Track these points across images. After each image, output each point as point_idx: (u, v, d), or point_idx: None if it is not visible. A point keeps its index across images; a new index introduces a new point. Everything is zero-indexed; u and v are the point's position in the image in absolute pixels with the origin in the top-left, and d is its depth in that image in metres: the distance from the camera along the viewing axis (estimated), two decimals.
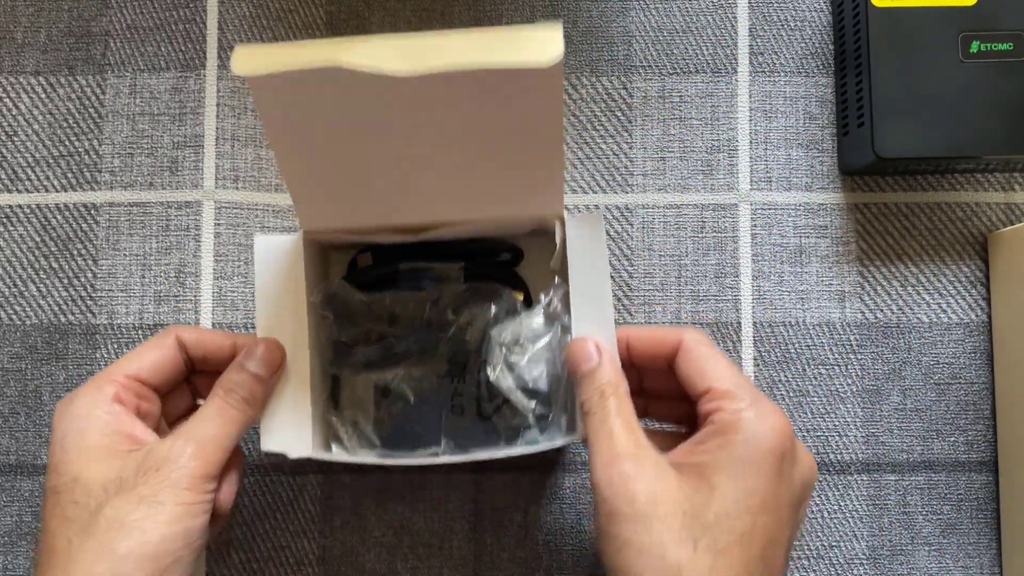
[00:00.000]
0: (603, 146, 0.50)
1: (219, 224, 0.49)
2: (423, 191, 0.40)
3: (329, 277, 0.48)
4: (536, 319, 0.43)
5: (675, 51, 0.51)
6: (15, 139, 0.50)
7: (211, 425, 0.37)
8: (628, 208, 0.50)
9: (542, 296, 0.43)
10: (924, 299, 0.49)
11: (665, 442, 0.37)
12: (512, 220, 0.43)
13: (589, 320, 0.40)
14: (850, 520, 0.48)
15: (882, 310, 0.49)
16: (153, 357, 0.39)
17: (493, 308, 0.44)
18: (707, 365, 0.37)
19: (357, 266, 0.47)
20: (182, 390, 0.42)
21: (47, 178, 0.50)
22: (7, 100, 0.50)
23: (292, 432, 0.40)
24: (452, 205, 0.41)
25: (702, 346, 0.38)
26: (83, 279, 0.49)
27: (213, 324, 0.49)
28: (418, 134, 0.36)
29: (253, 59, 0.31)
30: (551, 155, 0.37)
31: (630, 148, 0.50)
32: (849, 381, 0.49)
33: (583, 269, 0.40)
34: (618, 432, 0.35)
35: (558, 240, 0.42)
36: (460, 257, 0.45)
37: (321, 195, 0.40)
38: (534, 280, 0.47)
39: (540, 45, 0.30)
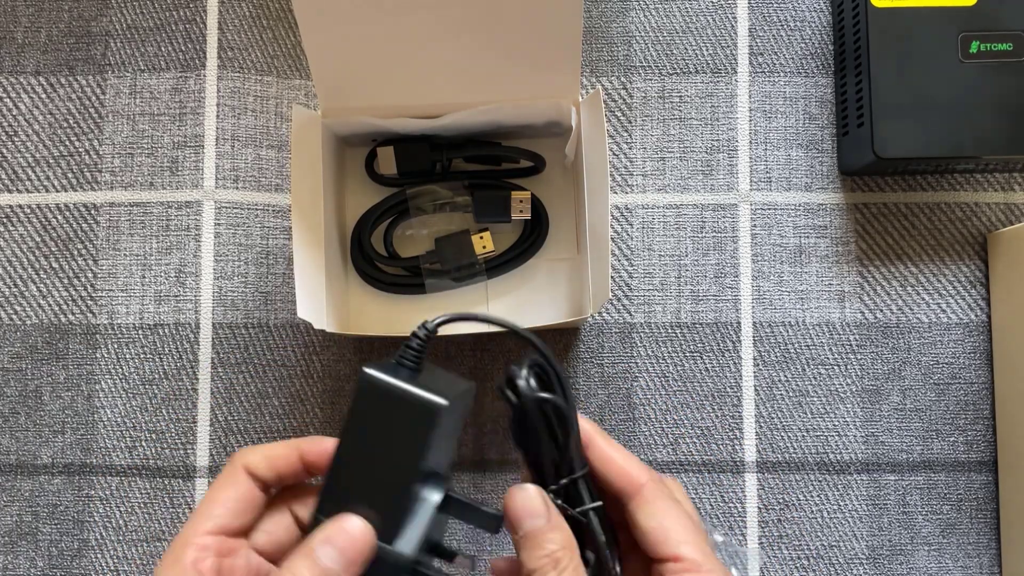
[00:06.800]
0: None
1: (219, 224, 0.49)
2: (441, 70, 0.41)
3: (345, 177, 0.49)
4: None
5: (675, 51, 0.51)
6: (15, 139, 0.50)
7: None
8: (628, 208, 0.50)
9: None
10: (924, 299, 0.49)
11: None
12: (529, 106, 0.44)
13: (596, 199, 0.42)
14: (850, 520, 0.48)
15: (882, 310, 0.49)
16: (227, 502, 0.33)
17: None
18: (670, 524, 0.33)
19: (375, 159, 0.48)
20: (276, 512, 0.35)
21: (47, 178, 0.50)
22: (7, 100, 0.50)
23: (315, 304, 0.42)
24: (469, 85, 0.42)
25: (662, 499, 0.34)
26: (83, 279, 0.49)
27: (213, 324, 0.49)
28: (438, 9, 0.38)
29: None
30: (569, 32, 0.39)
31: (630, 148, 0.50)
32: (849, 381, 0.49)
33: (591, 151, 0.43)
34: None
35: (573, 124, 0.44)
36: (481, 163, 0.48)
37: (341, 72, 0.42)
38: (551, 196, 0.49)
39: None
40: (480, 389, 0.48)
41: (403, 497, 0.30)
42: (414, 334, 0.32)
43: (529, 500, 0.32)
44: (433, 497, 0.32)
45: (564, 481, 0.33)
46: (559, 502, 0.33)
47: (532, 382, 0.32)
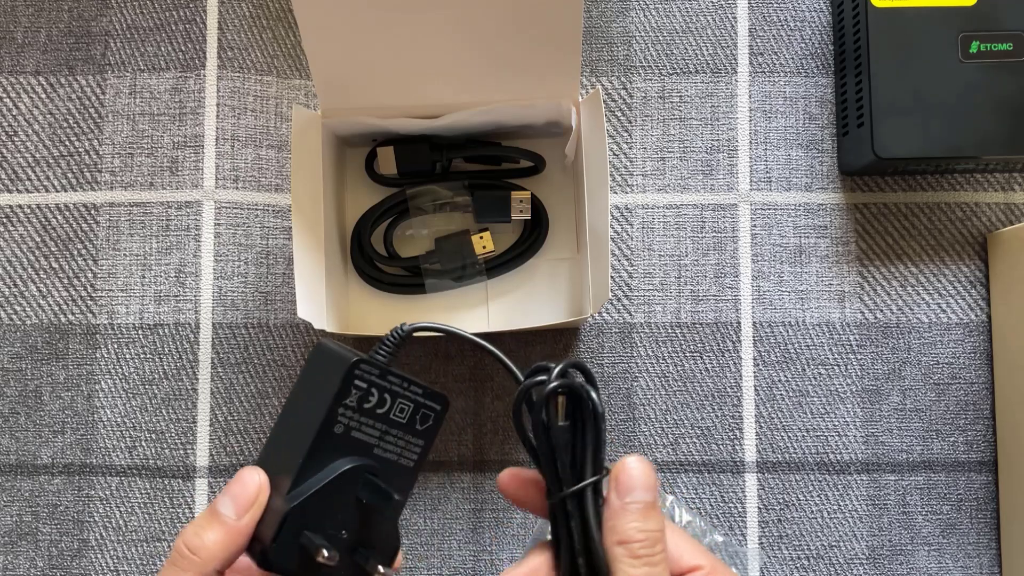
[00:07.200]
0: None
1: (219, 224, 0.49)
2: (441, 70, 0.41)
3: (346, 177, 0.49)
4: None
5: (675, 51, 0.51)
6: (15, 139, 0.50)
7: None
8: (628, 208, 0.50)
9: None
10: (924, 299, 0.49)
11: None
12: (529, 106, 0.44)
13: (596, 198, 0.42)
14: (850, 520, 0.48)
15: (882, 310, 0.49)
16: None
17: None
18: (678, 539, 0.32)
19: (375, 159, 0.48)
20: None
21: (47, 178, 0.50)
22: (7, 100, 0.50)
23: (315, 304, 0.42)
24: (469, 85, 0.42)
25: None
26: (83, 279, 0.49)
27: (213, 324, 0.49)
28: (438, 10, 0.38)
29: None
30: (569, 32, 0.39)
31: (630, 148, 0.50)
32: (849, 381, 0.49)
33: (591, 151, 0.43)
34: None
35: (573, 124, 0.44)
36: (481, 163, 0.49)
37: (341, 72, 0.42)
38: (551, 196, 0.49)
39: None
40: (480, 389, 0.49)
41: (303, 452, 0.31)
42: (390, 333, 0.33)
43: (647, 473, 0.31)
44: (342, 465, 0.31)
45: (589, 481, 0.31)
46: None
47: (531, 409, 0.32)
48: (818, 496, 0.48)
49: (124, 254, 0.49)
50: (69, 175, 0.50)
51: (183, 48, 0.50)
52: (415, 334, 0.33)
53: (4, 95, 0.50)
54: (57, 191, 0.50)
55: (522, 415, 0.32)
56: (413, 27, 0.40)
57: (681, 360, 0.49)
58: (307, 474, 0.31)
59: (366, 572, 0.32)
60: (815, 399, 0.48)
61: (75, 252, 0.49)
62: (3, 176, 0.50)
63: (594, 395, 0.31)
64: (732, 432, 0.48)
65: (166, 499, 0.48)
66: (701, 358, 0.49)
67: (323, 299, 0.43)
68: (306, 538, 0.30)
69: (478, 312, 0.48)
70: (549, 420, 0.31)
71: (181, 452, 0.48)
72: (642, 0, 0.51)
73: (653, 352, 0.49)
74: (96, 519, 0.48)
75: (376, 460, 0.32)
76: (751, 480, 0.48)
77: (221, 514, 0.30)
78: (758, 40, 0.51)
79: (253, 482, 0.31)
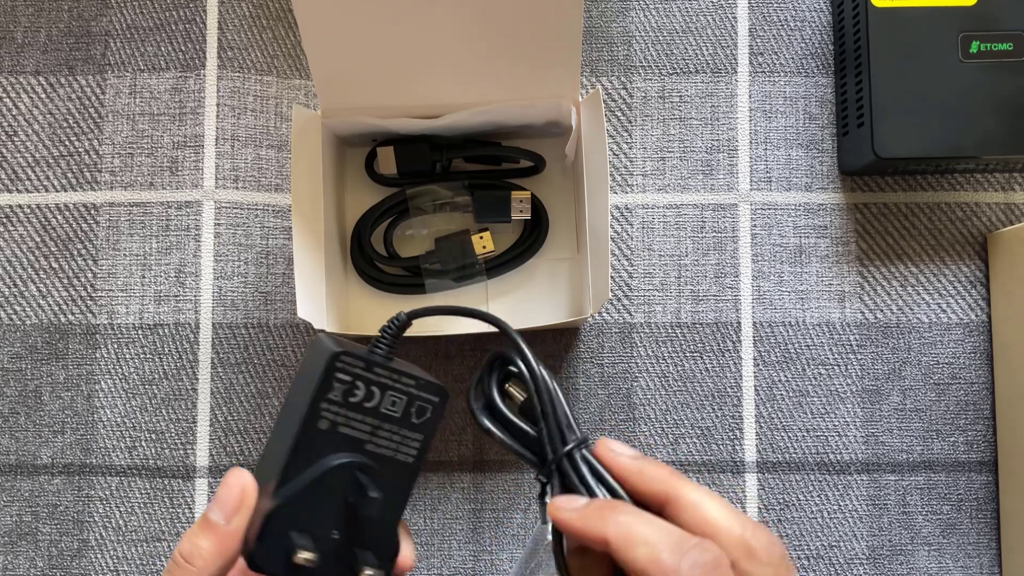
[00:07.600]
0: None
1: (219, 224, 0.49)
2: (441, 70, 0.42)
3: (345, 177, 0.49)
4: None
5: (675, 51, 0.51)
6: (15, 139, 0.50)
7: None
8: (628, 208, 0.50)
9: None
10: (924, 299, 0.49)
11: None
12: (529, 106, 0.44)
13: (596, 199, 0.42)
14: (850, 520, 0.48)
15: (882, 310, 0.49)
16: None
17: None
18: (710, 510, 0.28)
19: (375, 158, 0.48)
20: None
21: (47, 178, 0.50)
22: (7, 100, 0.50)
23: (315, 304, 0.42)
24: (469, 85, 0.43)
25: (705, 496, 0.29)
26: (83, 279, 0.49)
27: (213, 324, 0.49)
28: (438, 10, 0.38)
29: None
30: (569, 32, 0.39)
31: (630, 148, 0.50)
32: (849, 381, 0.49)
33: (591, 151, 0.43)
34: None
35: (573, 124, 0.44)
36: (481, 164, 0.49)
37: (341, 72, 0.42)
38: (551, 196, 0.49)
39: None
40: None
41: (287, 449, 0.30)
42: (387, 324, 0.32)
43: (556, 501, 0.29)
44: (329, 462, 0.30)
45: (566, 450, 0.30)
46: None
47: (476, 403, 0.32)
48: (818, 496, 0.48)
49: (124, 254, 0.49)
50: (69, 175, 0.50)
51: (183, 48, 0.50)
52: (411, 328, 0.32)
53: (4, 95, 0.50)
54: (57, 191, 0.50)
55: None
56: (413, 27, 0.40)
57: (681, 360, 0.49)
58: (292, 472, 0.30)
59: (354, 573, 0.31)
60: (815, 399, 0.48)
61: (75, 252, 0.49)
62: (3, 176, 0.50)
63: (526, 375, 0.31)
64: (732, 432, 0.48)
65: (166, 499, 0.48)
66: (701, 358, 0.49)
67: (323, 299, 0.43)
68: (290, 539, 0.30)
69: None
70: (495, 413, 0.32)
71: (181, 452, 0.48)
72: (642, 0, 0.51)
73: (653, 352, 0.49)
74: (96, 519, 0.48)
75: (369, 456, 0.31)
76: (751, 480, 0.48)
77: (211, 520, 0.30)
78: (758, 40, 0.51)
79: (237, 484, 0.30)
